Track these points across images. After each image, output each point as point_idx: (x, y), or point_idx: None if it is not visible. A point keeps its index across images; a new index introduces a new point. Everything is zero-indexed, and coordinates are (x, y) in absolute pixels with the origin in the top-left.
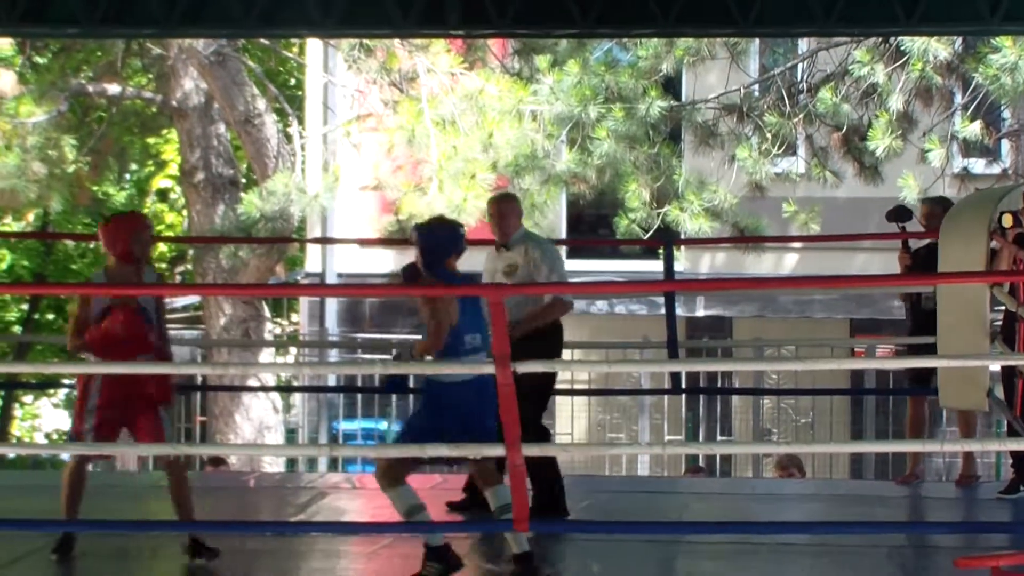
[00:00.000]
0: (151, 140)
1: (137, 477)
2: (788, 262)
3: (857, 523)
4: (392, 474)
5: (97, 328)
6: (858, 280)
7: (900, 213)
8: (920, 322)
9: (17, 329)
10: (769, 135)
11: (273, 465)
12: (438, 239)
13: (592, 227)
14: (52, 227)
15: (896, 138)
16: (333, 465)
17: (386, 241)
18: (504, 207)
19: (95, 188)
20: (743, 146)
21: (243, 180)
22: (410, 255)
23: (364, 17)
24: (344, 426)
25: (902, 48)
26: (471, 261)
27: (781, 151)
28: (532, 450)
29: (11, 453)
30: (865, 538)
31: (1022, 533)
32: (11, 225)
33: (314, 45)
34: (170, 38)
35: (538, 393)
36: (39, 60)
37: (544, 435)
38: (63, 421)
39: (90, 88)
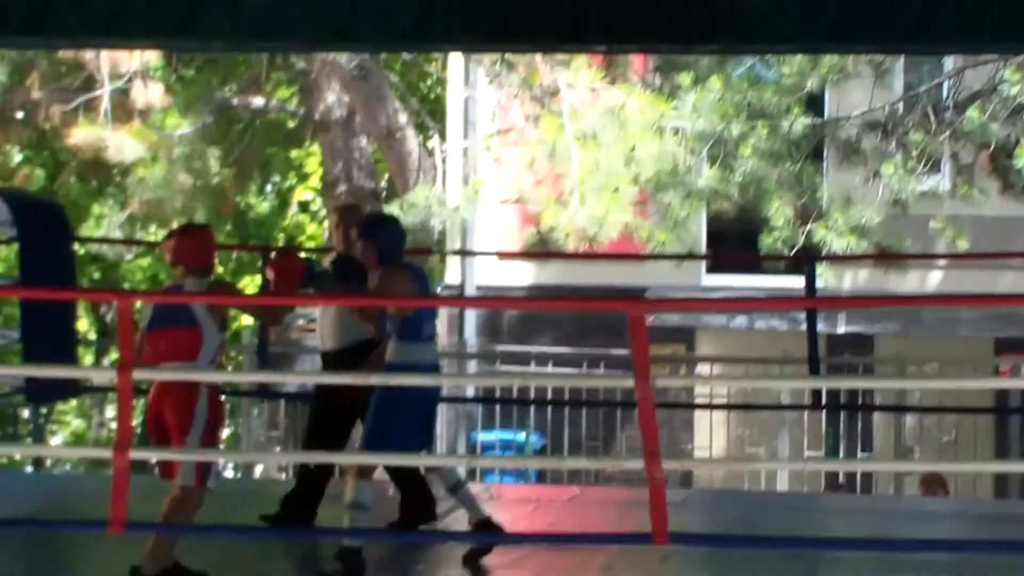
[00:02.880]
0: (293, 152)
1: (279, 485)
2: (932, 280)
3: (1002, 542)
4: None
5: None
6: (1002, 299)
7: None
8: None
9: None
10: (914, 153)
11: None
12: (394, 235)
13: (733, 243)
14: None
15: None
16: (472, 475)
17: (525, 254)
18: (349, 216)
19: (238, 199)
20: (888, 163)
21: (383, 192)
22: (549, 269)
23: (508, 33)
24: (483, 437)
25: None
26: (614, 273)
27: (926, 169)
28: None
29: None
30: (1010, 558)
31: None
32: (156, 234)
33: (455, 59)
34: (315, 52)
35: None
36: (186, 73)
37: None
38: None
39: (235, 101)
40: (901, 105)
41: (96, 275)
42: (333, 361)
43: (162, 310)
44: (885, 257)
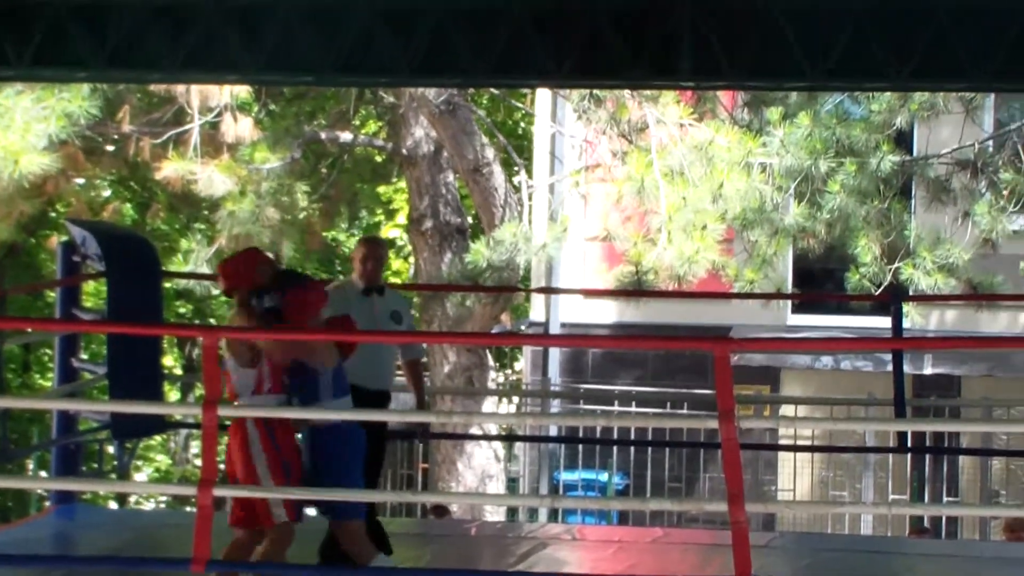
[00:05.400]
0: (381, 188)
1: None
2: (1022, 321)
3: None
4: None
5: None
6: None
7: None
8: None
9: None
10: (1005, 191)
11: (494, 514)
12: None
13: (819, 282)
14: None
15: None
16: (554, 516)
17: (611, 292)
18: (383, 251)
19: (326, 234)
20: (979, 202)
21: (470, 229)
22: (634, 307)
23: (595, 68)
24: (565, 477)
25: None
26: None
27: (1017, 208)
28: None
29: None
30: None
31: None
32: None
33: (543, 95)
34: (402, 87)
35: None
36: (274, 108)
37: None
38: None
39: (323, 135)
40: (991, 143)
41: (182, 310)
42: (380, 401)
43: None
44: (973, 297)
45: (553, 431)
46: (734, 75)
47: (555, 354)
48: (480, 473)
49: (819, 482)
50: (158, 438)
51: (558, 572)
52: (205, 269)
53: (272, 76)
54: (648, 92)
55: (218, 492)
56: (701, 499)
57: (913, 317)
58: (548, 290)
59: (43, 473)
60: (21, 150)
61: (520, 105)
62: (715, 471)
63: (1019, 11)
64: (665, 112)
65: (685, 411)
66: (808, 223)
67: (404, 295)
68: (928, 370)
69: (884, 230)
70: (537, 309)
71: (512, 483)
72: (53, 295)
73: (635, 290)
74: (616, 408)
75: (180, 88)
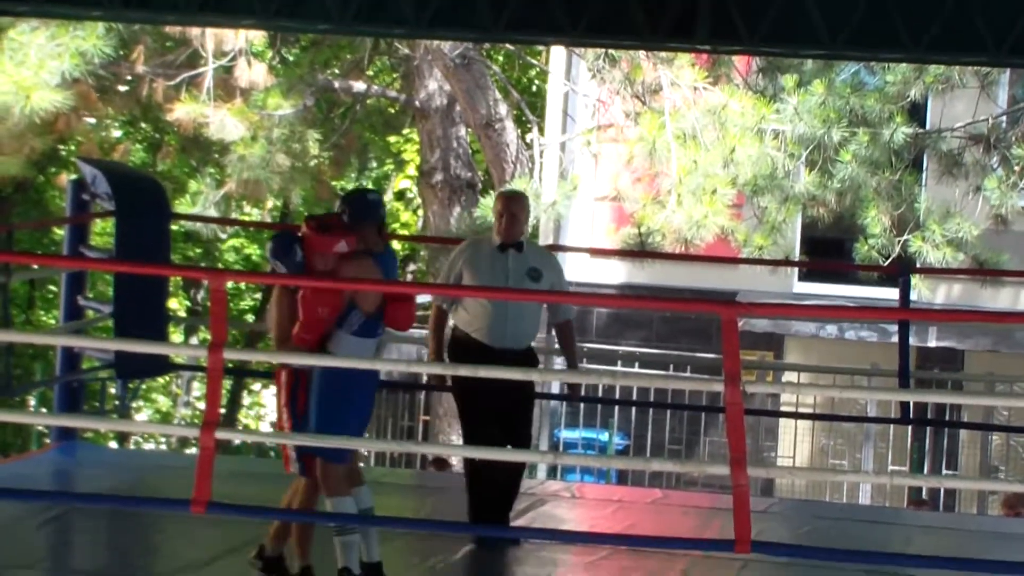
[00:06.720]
0: (392, 139)
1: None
2: None
3: None
4: (342, 482)
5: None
6: None
7: None
8: None
9: (250, 318)
10: (1016, 167)
11: None
12: (364, 203)
13: (826, 251)
14: (291, 219)
15: None
16: (552, 473)
17: (617, 252)
18: (519, 206)
19: (335, 183)
20: (990, 178)
21: (480, 184)
22: (641, 269)
23: (612, 27)
24: (565, 435)
25: None
26: (705, 276)
27: None
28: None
29: (238, 440)
30: None
31: None
32: (252, 214)
33: (557, 53)
34: (419, 39)
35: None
36: (289, 55)
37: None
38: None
39: (336, 84)
40: (1005, 119)
41: (189, 253)
42: (520, 361)
43: None
44: (981, 272)
45: (555, 389)
46: (752, 40)
47: None
48: None
49: (819, 450)
50: (159, 380)
51: (556, 529)
52: (213, 212)
53: (288, 22)
54: (663, 54)
55: (220, 435)
56: (703, 461)
57: (920, 290)
58: (556, 248)
59: (44, 410)
60: (34, 86)
61: (535, 62)
62: (715, 435)
63: None
64: (679, 75)
65: (688, 374)
66: (819, 192)
67: (550, 253)
68: (932, 343)
69: (894, 202)
70: None
71: None
72: (61, 232)
73: (642, 251)
74: (620, 368)
75: (195, 31)
